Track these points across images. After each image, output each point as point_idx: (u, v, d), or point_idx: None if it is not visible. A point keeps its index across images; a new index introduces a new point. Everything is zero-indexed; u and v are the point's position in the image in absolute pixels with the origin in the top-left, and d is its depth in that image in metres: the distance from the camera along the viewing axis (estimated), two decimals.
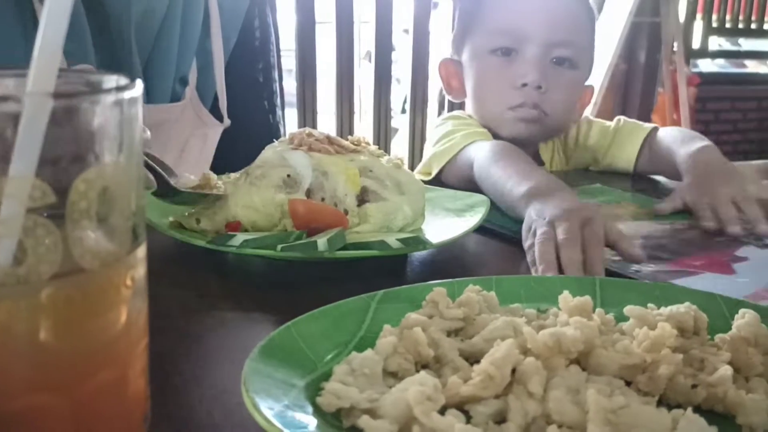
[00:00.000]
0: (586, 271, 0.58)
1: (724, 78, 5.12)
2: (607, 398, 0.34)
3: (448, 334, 0.44)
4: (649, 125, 1.06)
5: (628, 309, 0.45)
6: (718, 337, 0.43)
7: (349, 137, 0.73)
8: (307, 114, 1.40)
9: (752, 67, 5.79)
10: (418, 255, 0.66)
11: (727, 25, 4.82)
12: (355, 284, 0.50)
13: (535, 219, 0.63)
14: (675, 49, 4.19)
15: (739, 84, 5.09)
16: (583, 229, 0.60)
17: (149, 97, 0.84)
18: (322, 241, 0.55)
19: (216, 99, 0.91)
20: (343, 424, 0.35)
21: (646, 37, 4.57)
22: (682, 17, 4.57)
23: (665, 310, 0.44)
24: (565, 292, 0.44)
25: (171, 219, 0.64)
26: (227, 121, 0.92)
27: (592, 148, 1.07)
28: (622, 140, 1.06)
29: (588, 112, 4.25)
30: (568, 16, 0.98)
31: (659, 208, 0.81)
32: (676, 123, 4.21)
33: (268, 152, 0.66)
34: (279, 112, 1.03)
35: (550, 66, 0.96)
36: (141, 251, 0.27)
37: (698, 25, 4.77)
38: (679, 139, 0.94)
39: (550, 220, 0.61)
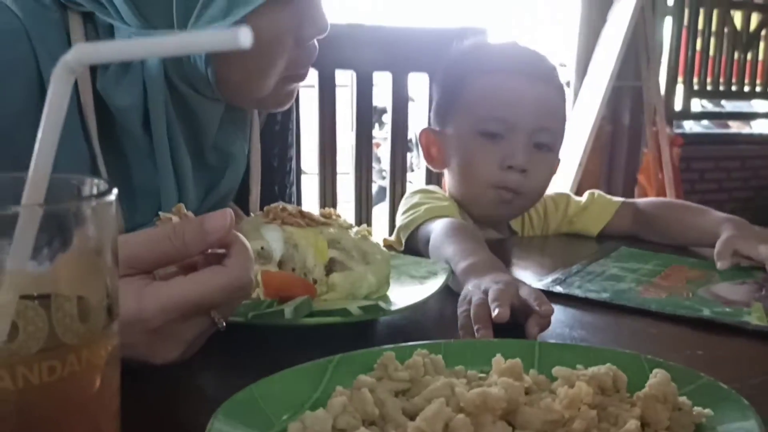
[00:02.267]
0: (526, 335, 0.64)
1: (707, 138, 5.26)
2: None
3: (396, 394, 0.49)
4: (618, 199, 1.14)
5: (555, 370, 0.50)
6: (636, 394, 0.48)
7: (321, 210, 0.79)
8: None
9: (736, 127, 5.95)
10: (382, 318, 0.71)
11: (709, 88, 4.98)
12: (320, 347, 0.55)
13: (471, 290, 0.70)
14: (657, 111, 4.32)
15: (722, 144, 5.22)
16: (515, 297, 0.66)
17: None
18: (289, 310, 0.61)
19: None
20: None
21: (630, 100, 4.71)
22: (663, 81, 4.74)
23: (589, 371, 0.50)
24: (498, 356, 0.50)
25: None
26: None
27: (569, 219, 1.15)
28: (597, 210, 1.13)
29: (573, 173, 4.33)
30: (549, 104, 1.06)
31: (722, 265, 0.90)
32: (661, 182, 4.31)
33: (245, 225, 0.72)
34: (289, 190, 1.08)
35: (533, 150, 1.03)
36: (115, 326, 0.33)
37: (680, 88, 4.92)
38: (683, 209, 1.09)
39: (485, 289, 0.68)
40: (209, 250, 0.51)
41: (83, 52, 0.27)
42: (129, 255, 0.46)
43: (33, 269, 0.29)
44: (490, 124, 1.03)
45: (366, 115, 1.45)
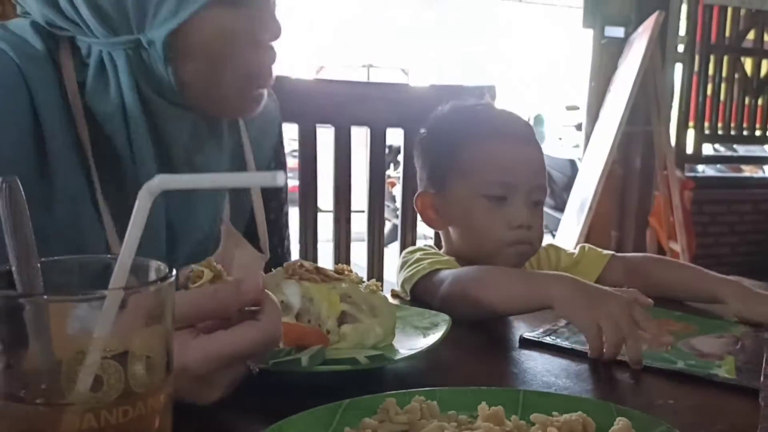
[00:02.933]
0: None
1: (719, 182, 5.30)
2: None
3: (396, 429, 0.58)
4: (608, 252, 1.22)
5: (533, 416, 0.58)
6: None
7: (335, 266, 0.88)
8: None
9: (748, 171, 6.00)
10: (389, 366, 0.80)
11: (720, 132, 5.04)
12: (332, 391, 0.64)
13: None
14: (667, 155, 4.38)
15: (734, 187, 5.25)
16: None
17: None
18: (305, 358, 0.70)
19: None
20: None
21: (641, 144, 4.79)
22: (674, 125, 4.82)
23: (562, 417, 0.58)
24: (483, 403, 0.58)
25: None
26: (266, 256, 1.04)
27: (561, 271, 1.22)
28: (588, 264, 1.21)
29: (584, 216, 4.37)
30: (539, 163, 1.15)
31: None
32: (672, 226, 4.37)
33: (267, 280, 0.81)
34: (286, 243, 1.16)
35: (532, 207, 1.12)
36: (171, 378, 0.42)
37: (691, 132, 4.99)
38: (671, 265, 1.19)
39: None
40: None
41: (163, 180, 0.36)
42: (177, 313, 0.56)
43: (113, 334, 0.38)
44: (495, 188, 1.11)
45: (379, 163, 1.55)
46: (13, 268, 0.40)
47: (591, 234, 4.22)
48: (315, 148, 1.51)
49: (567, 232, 4.29)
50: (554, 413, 0.60)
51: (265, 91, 0.93)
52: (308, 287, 0.80)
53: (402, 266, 1.12)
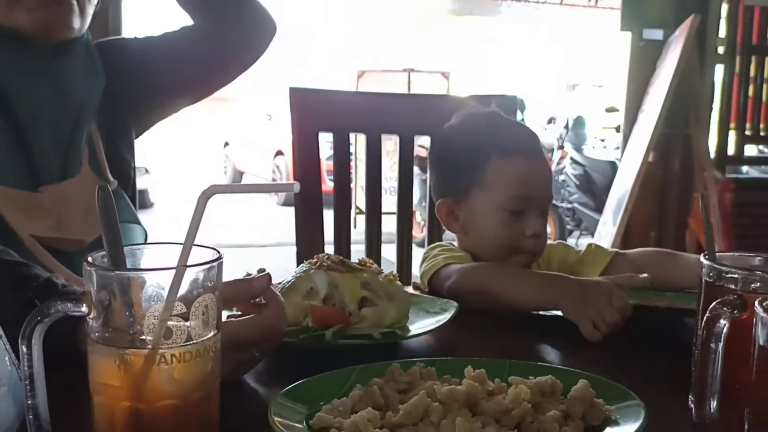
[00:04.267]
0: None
1: (761, 183, 5.25)
2: (470, 423, 0.61)
3: (399, 392, 0.71)
4: (613, 250, 1.33)
5: (511, 378, 0.71)
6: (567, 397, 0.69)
7: (360, 258, 1.02)
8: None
9: None
10: (405, 342, 0.93)
11: (762, 133, 5.00)
12: (351, 362, 0.78)
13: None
14: (705, 157, 4.39)
15: None
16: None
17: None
18: (329, 333, 0.85)
19: None
20: None
21: (681, 146, 4.80)
22: (715, 127, 4.82)
23: (534, 380, 0.71)
24: (469, 366, 0.72)
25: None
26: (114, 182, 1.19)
27: (569, 267, 1.34)
28: (592, 260, 1.32)
29: (619, 217, 4.41)
30: (549, 177, 1.29)
31: None
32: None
33: (298, 270, 0.96)
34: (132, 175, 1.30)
35: (541, 215, 1.24)
36: (219, 335, 0.57)
37: (732, 134, 4.96)
38: (671, 257, 1.28)
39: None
40: (255, 301, 0.75)
41: (215, 188, 0.51)
42: None
43: (179, 299, 0.53)
44: (516, 202, 1.22)
45: (407, 168, 1.69)
46: (106, 252, 0.56)
47: (630, 235, 4.27)
48: (348, 154, 1.66)
49: (604, 233, 4.35)
50: (530, 377, 0.72)
51: (59, 17, 1.05)
52: (334, 276, 0.94)
53: (422, 261, 1.26)
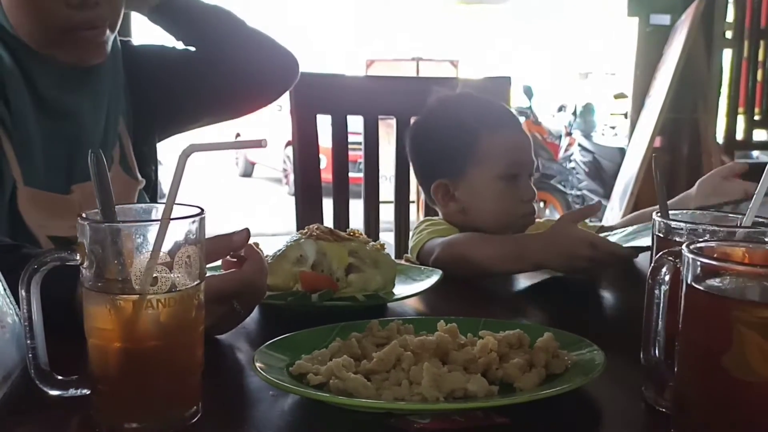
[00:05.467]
0: None
1: None
2: (436, 368, 0.66)
3: (377, 346, 0.76)
4: (596, 224, 1.38)
5: (482, 332, 0.76)
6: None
7: (348, 230, 1.07)
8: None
9: None
10: (389, 307, 0.98)
11: None
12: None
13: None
14: (712, 141, 4.39)
15: None
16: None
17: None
18: (315, 296, 0.90)
19: None
20: (301, 380, 0.68)
21: (688, 131, 4.80)
22: (723, 111, 4.82)
23: (503, 333, 0.75)
24: (441, 321, 0.76)
25: None
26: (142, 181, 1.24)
27: None
28: None
29: (625, 202, 4.43)
30: (531, 145, 1.36)
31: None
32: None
33: (289, 240, 1.01)
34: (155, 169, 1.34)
35: (530, 180, 1.32)
36: (202, 285, 0.62)
37: (741, 119, 4.95)
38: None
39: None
40: (236, 256, 0.81)
41: (192, 146, 0.56)
42: None
43: (165, 249, 0.58)
44: (512, 169, 1.29)
45: (404, 150, 1.73)
46: (99, 210, 0.61)
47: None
48: (346, 137, 1.70)
49: (611, 218, 4.38)
50: (500, 332, 0.77)
51: (95, 44, 1.09)
52: (322, 244, 0.99)
53: (412, 236, 1.31)
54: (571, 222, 1.13)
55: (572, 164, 6.38)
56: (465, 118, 1.33)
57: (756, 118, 4.92)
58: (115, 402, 0.60)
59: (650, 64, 4.67)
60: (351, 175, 1.72)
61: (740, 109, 4.94)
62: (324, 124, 1.66)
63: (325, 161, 1.74)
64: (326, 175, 1.65)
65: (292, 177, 1.57)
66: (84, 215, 0.59)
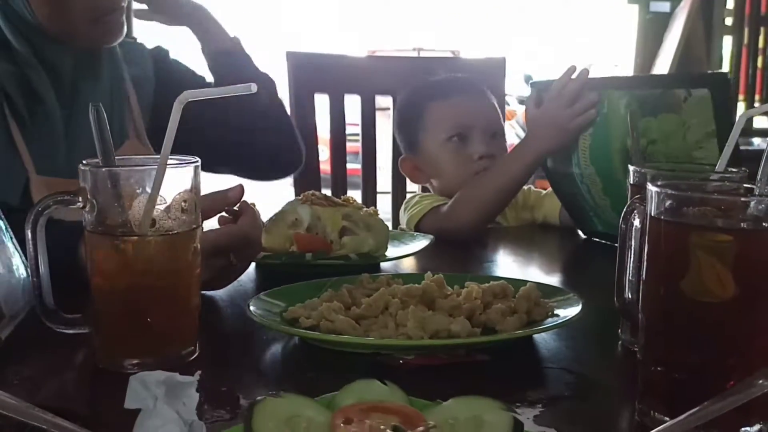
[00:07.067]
0: None
1: None
2: (422, 311, 0.70)
3: (367, 296, 0.80)
4: None
5: (467, 283, 0.80)
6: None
7: (342, 197, 1.11)
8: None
9: None
10: (383, 267, 1.02)
11: None
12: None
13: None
14: None
15: None
16: None
17: None
18: (309, 256, 0.93)
19: None
20: (294, 324, 0.71)
21: None
22: None
23: (489, 284, 0.79)
24: (428, 272, 0.80)
25: None
26: None
27: (530, 206, 1.44)
28: (548, 199, 1.41)
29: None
30: (490, 107, 1.44)
31: None
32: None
33: (286, 205, 1.05)
34: None
35: (490, 140, 1.38)
36: (200, 230, 0.66)
37: (741, 106, 4.96)
38: None
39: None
40: (230, 212, 0.84)
41: (186, 94, 0.59)
42: None
43: (162, 193, 0.62)
44: (456, 129, 1.38)
45: None
46: (100, 161, 0.64)
47: None
48: (343, 116, 1.74)
49: None
50: (485, 284, 0.81)
51: (117, 25, 1.11)
52: (317, 209, 1.02)
53: (405, 209, 1.36)
54: (535, 108, 1.21)
55: None
56: (414, 98, 1.47)
57: (756, 104, 4.93)
58: (115, 339, 0.64)
59: (650, 52, 4.68)
60: (349, 166, 1.77)
61: (740, 96, 4.95)
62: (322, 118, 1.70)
63: (326, 153, 1.78)
64: (324, 167, 1.71)
65: None
66: (86, 161, 0.63)
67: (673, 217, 0.52)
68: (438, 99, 1.43)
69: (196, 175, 0.64)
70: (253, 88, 0.58)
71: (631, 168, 0.72)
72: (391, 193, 1.76)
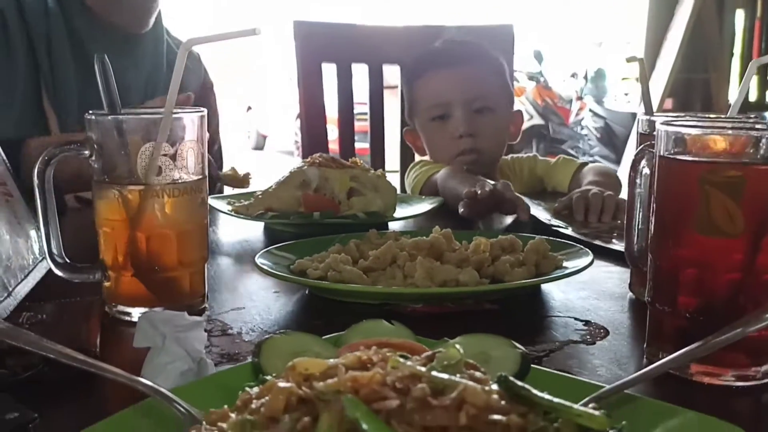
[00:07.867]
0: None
1: None
2: (429, 263, 0.69)
3: (375, 248, 0.80)
4: (579, 161, 1.40)
5: (475, 237, 0.79)
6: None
7: (350, 159, 1.11)
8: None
9: None
10: (392, 226, 1.02)
11: None
12: None
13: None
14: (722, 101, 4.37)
15: None
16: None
17: None
18: (317, 214, 0.93)
19: None
20: (302, 276, 0.71)
21: (700, 91, 4.77)
22: (736, 72, 4.78)
23: (498, 238, 0.79)
24: (437, 226, 0.80)
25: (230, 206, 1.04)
26: None
27: (538, 176, 1.43)
28: (559, 170, 1.40)
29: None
30: (474, 78, 1.36)
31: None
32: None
33: (293, 166, 1.05)
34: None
35: (475, 116, 1.33)
36: (206, 182, 0.66)
37: (755, 79, 4.92)
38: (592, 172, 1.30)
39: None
40: None
41: (192, 41, 0.59)
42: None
43: (168, 140, 0.62)
44: (434, 110, 1.37)
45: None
46: (106, 109, 0.64)
47: None
48: (351, 85, 1.72)
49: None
50: (493, 239, 0.80)
51: (151, 8, 1.20)
52: (325, 170, 1.02)
53: (407, 175, 1.38)
54: None
55: (584, 131, 6.35)
56: (406, 75, 1.48)
57: None
58: (124, 288, 0.64)
59: (661, 27, 4.63)
60: (357, 145, 1.76)
61: None
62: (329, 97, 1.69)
63: (335, 133, 1.78)
64: (333, 147, 1.71)
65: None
66: (92, 111, 0.62)
67: (683, 155, 0.51)
68: (417, 75, 1.42)
69: (201, 125, 0.64)
70: (257, 30, 0.58)
71: (640, 116, 0.71)
72: (399, 171, 1.76)
